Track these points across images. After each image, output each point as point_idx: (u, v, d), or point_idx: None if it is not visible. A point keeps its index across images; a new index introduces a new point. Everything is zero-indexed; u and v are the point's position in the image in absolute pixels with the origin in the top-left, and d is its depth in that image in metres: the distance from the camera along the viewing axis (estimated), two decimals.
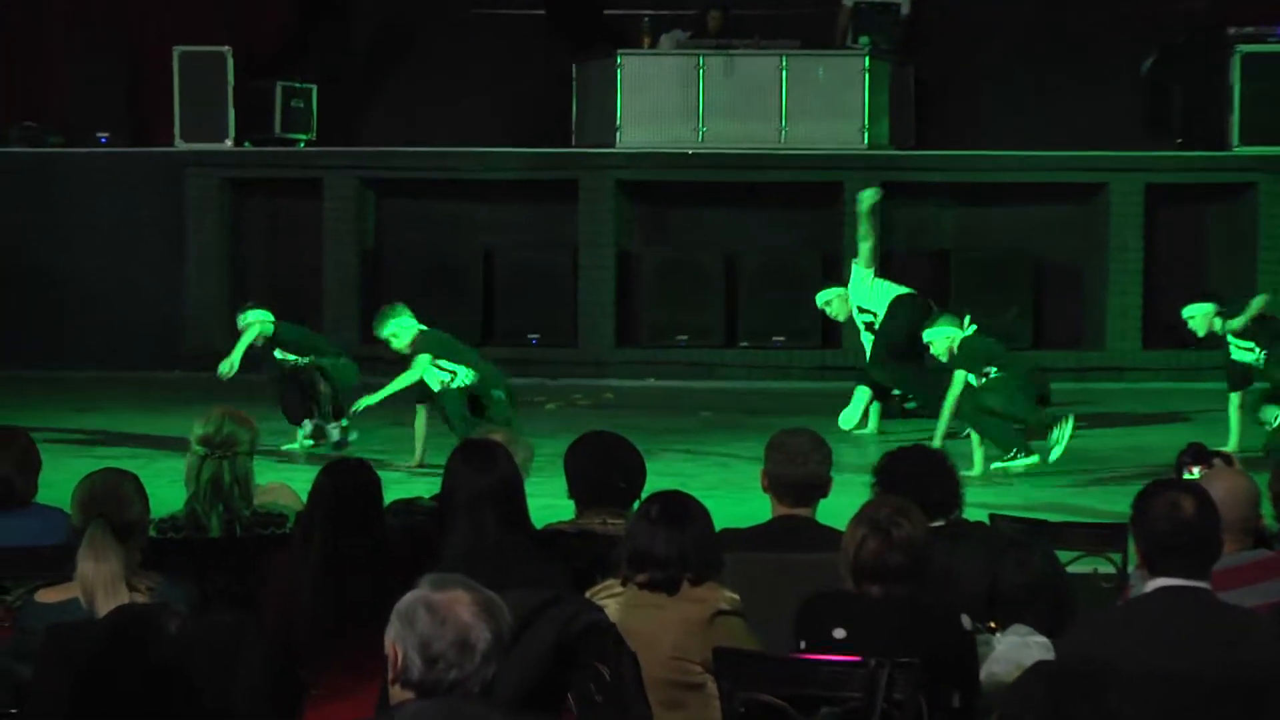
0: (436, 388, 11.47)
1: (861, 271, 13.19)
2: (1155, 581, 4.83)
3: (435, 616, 3.70)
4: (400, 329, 11.48)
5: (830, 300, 13.49)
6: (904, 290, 13.07)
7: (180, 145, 16.52)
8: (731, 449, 12.07)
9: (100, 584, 5.08)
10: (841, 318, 13.51)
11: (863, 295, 13.17)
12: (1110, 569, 6.74)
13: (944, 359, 11.71)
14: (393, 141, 16.82)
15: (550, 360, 15.92)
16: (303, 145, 16.85)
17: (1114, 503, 9.43)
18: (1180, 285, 16.33)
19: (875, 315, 13.01)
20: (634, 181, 16.52)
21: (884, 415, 13.17)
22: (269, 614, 5.58)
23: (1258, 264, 16.00)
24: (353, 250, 16.63)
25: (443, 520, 5.89)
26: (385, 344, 11.64)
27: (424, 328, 11.55)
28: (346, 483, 5.86)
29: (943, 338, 11.68)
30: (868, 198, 13.43)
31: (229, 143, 16.54)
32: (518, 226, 16.85)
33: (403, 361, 11.54)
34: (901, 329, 12.72)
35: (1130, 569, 5.82)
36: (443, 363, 11.50)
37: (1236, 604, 4.96)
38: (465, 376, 11.49)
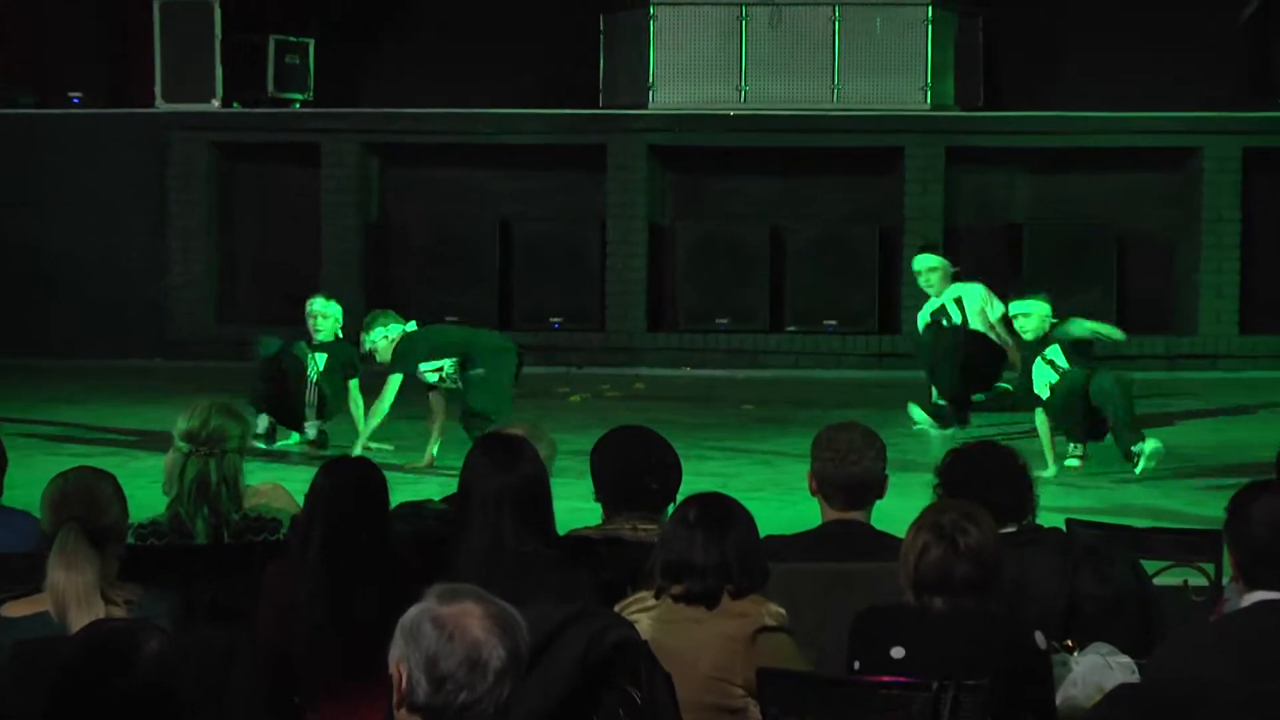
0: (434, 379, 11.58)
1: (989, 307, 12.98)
2: (1253, 595, 4.84)
3: (443, 632, 3.71)
4: (380, 341, 11.54)
5: (934, 269, 13.03)
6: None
7: (162, 106, 16.56)
8: (777, 446, 12.09)
9: (73, 596, 5.09)
10: (935, 294, 12.99)
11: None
12: (1202, 581, 6.74)
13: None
14: (399, 103, 16.85)
15: (575, 346, 15.95)
16: (298, 106, 16.88)
17: (1206, 506, 9.43)
18: None
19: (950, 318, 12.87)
20: (668, 147, 16.54)
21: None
22: (262, 630, 5.60)
23: None
24: (354, 223, 16.67)
25: (458, 522, 5.91)
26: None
27: (410, 329, 11.56)
28: (347, 483, 5.87)
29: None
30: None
31: (216, 103, 16.58)
32: (538, 197, 16.88)
33: None
34: None
35: (1225, 581, 5.81)
36: (427, 365, 11.57)
37: None
38: (450, 367, 11.54)
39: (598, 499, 6.37)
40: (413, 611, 3.76)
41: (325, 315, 12.20)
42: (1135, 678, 5.21)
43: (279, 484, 7.43)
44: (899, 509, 5.65)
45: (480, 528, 5.77)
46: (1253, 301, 16.17)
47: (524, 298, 16.52)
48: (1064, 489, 10.57)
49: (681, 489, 6.19)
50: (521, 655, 3.75)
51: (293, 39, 16.87)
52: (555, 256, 16.50)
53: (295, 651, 5.48)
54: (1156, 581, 6.45)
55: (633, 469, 6.36)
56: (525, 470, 5.88)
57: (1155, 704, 4.51)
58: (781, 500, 9.41)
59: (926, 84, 16.17)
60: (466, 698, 3.70)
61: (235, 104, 16.69)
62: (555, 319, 16.30)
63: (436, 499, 7.11)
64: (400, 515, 6.69)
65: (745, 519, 5.37)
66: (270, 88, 16.73)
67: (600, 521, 6.33)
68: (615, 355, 16.05)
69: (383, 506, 5.91)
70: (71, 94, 16.69)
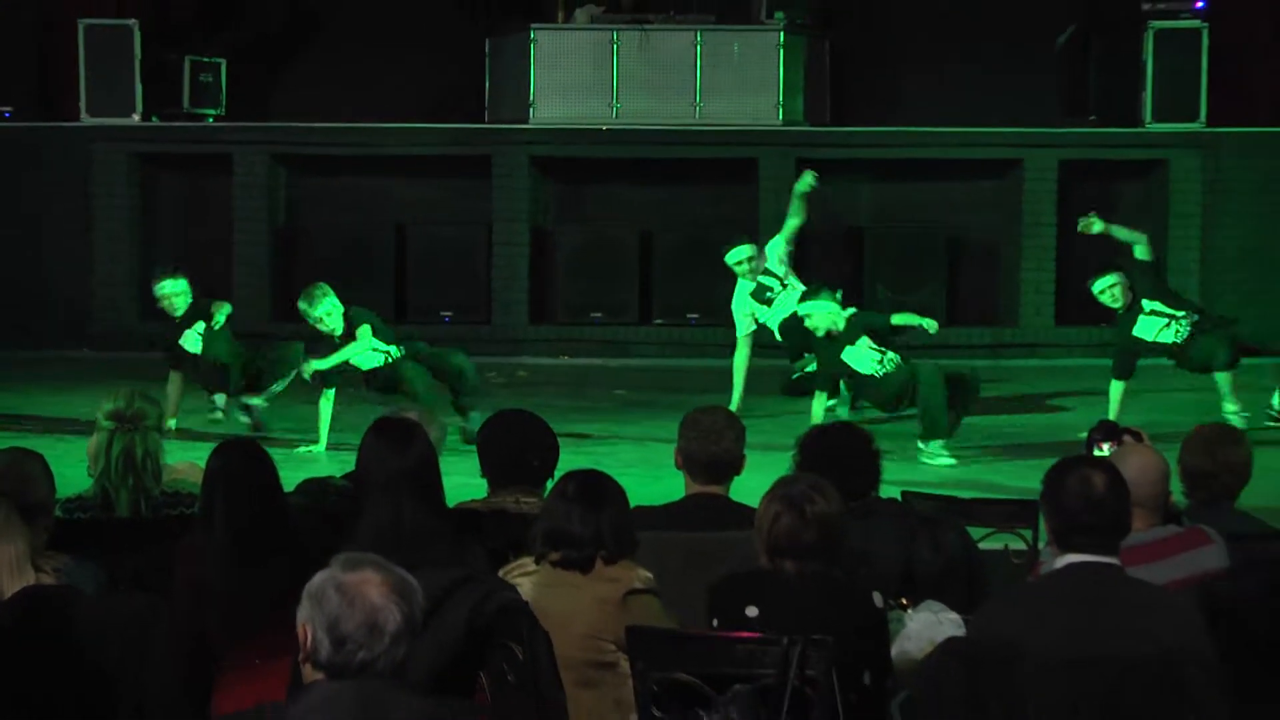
0: (367, 366, 11.51)
1: (780, 244, 13.07)
2: (1066, 558, 4.88)
3: (344, 597, 3.71)
4: (334, 309, 11.45)
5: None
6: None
7: (86, 120, 16.35)
8: (646, 427, 12.09)
9: (4, 565, 5.03)
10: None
11: (772, 264, 13.01)
12: (1021, 546, 6.79)
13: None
14: (304, 117, 16.71)
15: (463, 338, 15.85)
16: (211, 120, 16.73)
17: (1026, 479, 9.48)
18: (1093, 261, 16.50)
19: (773, 290, 12.82)
20: (548, 157, 16.50)
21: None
22: (179, 596, 5.56)
23: (1168, 239, 16.13)
24: (264, 227, 16.54)
25: (358, 499, 5.88)
26: (305, 322, 11.60)
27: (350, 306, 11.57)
28: (236, 463, 5.83)
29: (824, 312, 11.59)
30: (806, 182, 13.04)
31: (136, 117, 16.39)
32: (431, 203, 16.81)
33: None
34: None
35: (1041, 545, 5.87)
36: (378, 341, 11.52)
37: (1146, 580, 5.02)
38: (396, 352, 11.52)
39: (484, 475, 6.36)
40: (318, 578, 3.76)
41: (176, 294, 12.02)
42: (962, 632, 5.25)
43: (195, 463, 7.37)
44: (756, 483, 5.67)
45: (380, 505, 5.74)
46: (1067, 297, 16.30)
47: (417, 294, 16.45)
48: (905, 464, 10.62)
49: (560, 466, 6.19)
50: (416, 619, 3.75)
51: (206, 59, 16.72)
52: (446, 257, 16.44)
53: (209, 615, 5.44)
54: (982, 546, 6.50)
55: (516, 448, 6.35)
56: (418, 452, 5.86)
57: (979, 654, 4.56)
58: (650, 475, 9.41)
59: (779, 102, 16.21)
60: (365, 656, 3.70)
61: (154, 118, 16.51)
62: (445, 312, 16.24)
63: (337, 476, 7.08)
64: (304, 491, 6.66)
65: (617, 493, 5.38)
66: (186, 103, 16.57)
67: (486, 495, 6.32)
68: (500, 346, 16.00)
69: (274, 482, 5.87)
70: (3, 109, 16.47)
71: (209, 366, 11.99)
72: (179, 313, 12.02)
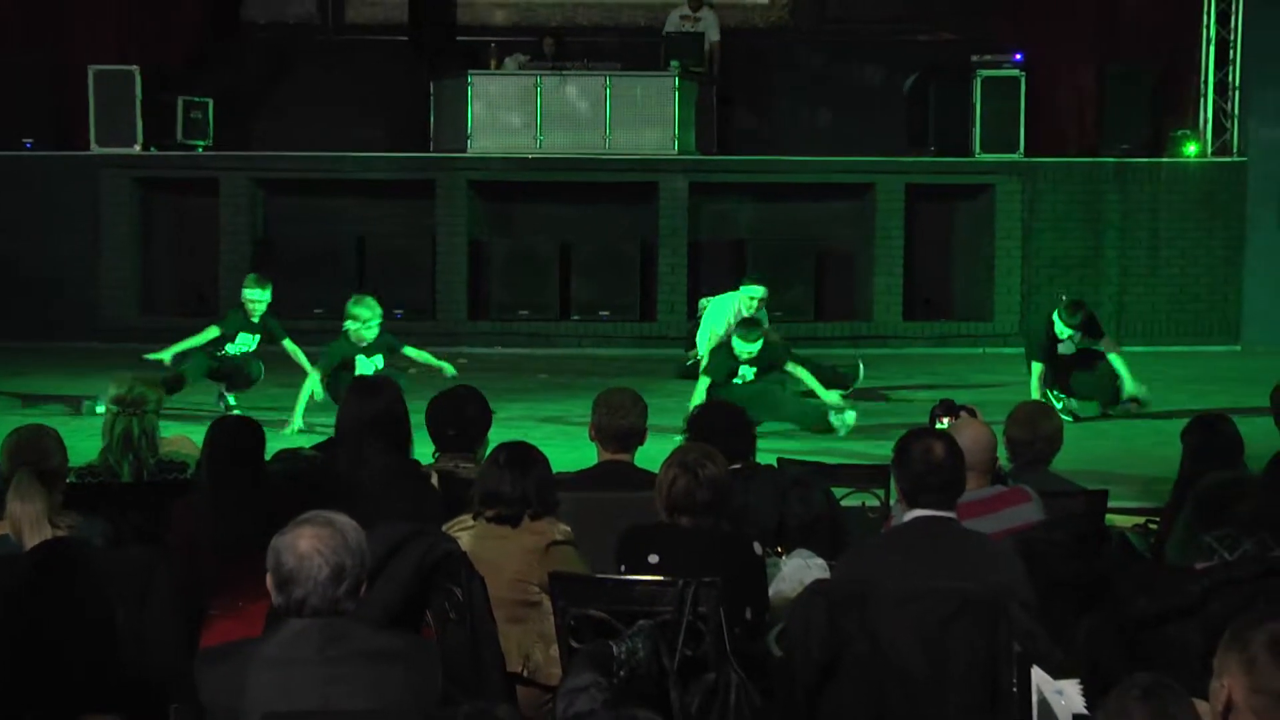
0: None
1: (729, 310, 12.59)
2: (912, 513, 4.91)
3: (282, 550, 3.79)
4: (376, 318, 11.24)
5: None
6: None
7: (95, 149, 16.15)
8: (565, 405, 12.07)
9: (27, 522, 4.99)
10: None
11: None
12: (876, 503, 6.82)
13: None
14: (280, 147, 16.58)
15: (412, 331, 15.74)
16: (201, 150, 16.54)
17: (880, 448, 9.55)
18: (933, 267, 16.64)
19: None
20: (483, 181, 16.42)
21: None
22: (174, 547, 5.51)
23: (995, 250, 16.30)
24: (246, 240, 16.38)
25: (331, 448, 5.85)
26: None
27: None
28: (233, 434, 5.79)
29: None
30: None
31: (138, 147, 16.20)
32: (386, 219, 16.68)
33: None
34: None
35: (892, 503, 5.90)
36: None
37: (977, 530, 5.05)
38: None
39: (431, 439, 6.33)
40: (276, 536, 3.81)
41: (259, 301, 11.69)
42: (827, 575, 5.27)
43: (187, 436, 7.31)
44: (658, 453, 5.66)
45: (352, 449, 5.70)
46: (913, 296, 16.42)
47: (373, 294, 16.30)
48: (782, 439, 10.64)
49: (493, 437, 6.16)
50: (347, 566, 3.76)
51: (196, 98, 16.54)
52: (398, 263, 16.32)
53: (199, 564, 5.39)
54: (843, 504, 6.53)
55: (455, 419, 6.32)
56: (382, 404, 5.83)
57: (841, 593, 4.57)
58: (569, 445, 9.40)
59: (675, 134, 16.17)
60: (300, 594, 3.74)
61: (152, 148, 16.33)
62: (397, 310, 16.10)
63: (308, 448, 7.03)
64: (280, 459, 6.61)
65: (542, 461, 5.37)
66: (179, 136, 16.39)
67: (432, 461, 6.28)
68: (443, 338, 15.87)
69: (260, 452, 5.82)
70: (25, 140, 16.26)
71: (240, 373, 11.75)
72: (256, 318, 11.74)
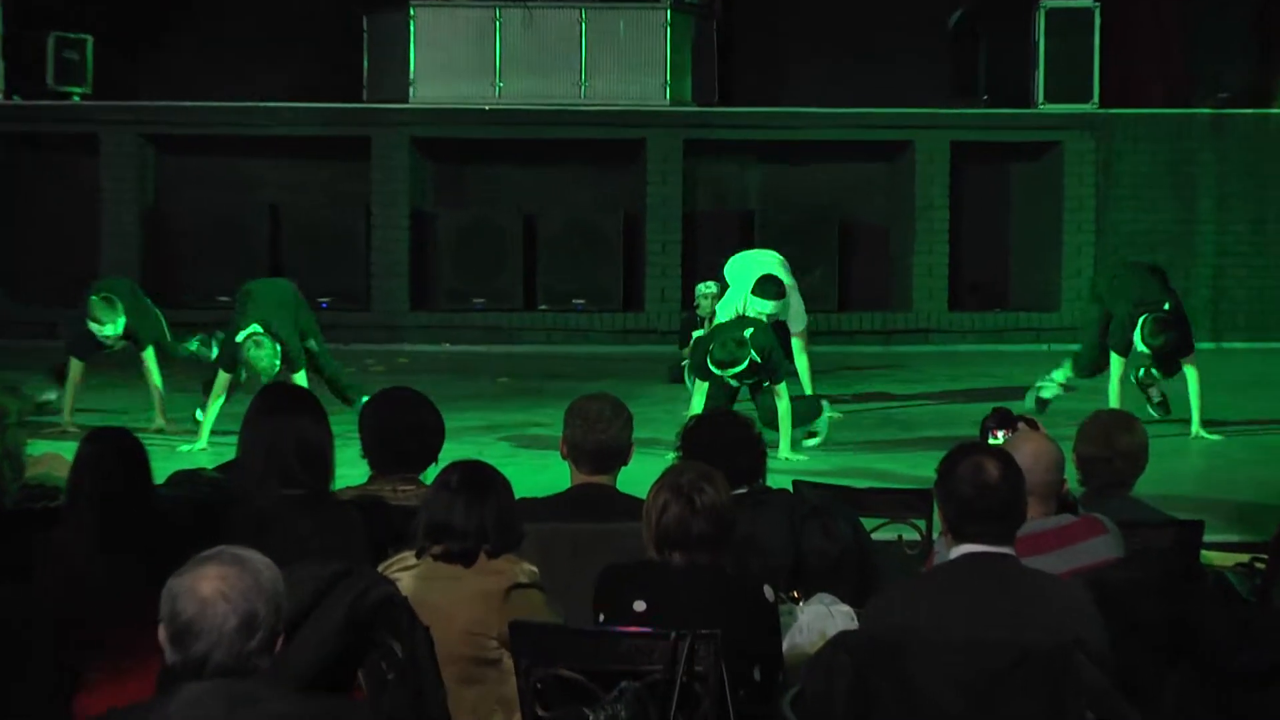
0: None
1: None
2: (960, 548, 4.90)
3: (179, 594, 3.74)
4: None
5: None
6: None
7: None
8: (531, 415, 12.08)
9: None
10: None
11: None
12: (915, 536, 6.83)
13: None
14: (175, 96, 16.56)
15: (342, 324, 15.79)
16: (77, 99, 16.52)
17: (919, 468, 9.55)
18: (985, 245, 16.66)
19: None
20: (429, 138, 16.43)
21: None
22: (45, 590, 5.48)
23: (1062, 224, 16.29)
24: (132, 210, 16.38)
25: (234, 472, 5.83)
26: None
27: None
28: (109, 451, 5.76)
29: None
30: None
31: None
32: (308, 185, 16.71)
33: None
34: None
35: (935, 536, 5.89)
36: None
37: (1041, 570, 5.05)
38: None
39: (364, 456, 6.32)
40: (170, 579, 3.78)
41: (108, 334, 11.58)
42: (854, 625, 5.27)
43: (58, 454, 7.28)
44: (644, 474, 5.66)
45: (256, 471, 5.68)
46: (960, 281, 16.45)
47: (292, 279, 16.25)
48: (793, 453, 10.65)
49: (443, 456, 6.15)
50: (260, 614, 3.73)
51: (72, 35, 16.52)
52: (323, 240, 16.34)
53: (75, 609, 5.37)
54: (875, 537, 6.53)
55: (396, 430, 6.31)
56: (301, 411, 5.82)
57: (870, 647, 4.57)
58: (535, 464, 9.39)
59: (666, 81, 16.23)
60: (201, 648, 3.69)
61: (15, 97, 16.30)
62: (323, 299, 16.10)
63: (210, 468, 7.01)
64: (175, 483, 6.59)
65: (502, 485, 5.35)
66: (50, 81, 16.36)
67: (365, 482, 6.27)
68: (380, 332, 15.93)
69: (145, 472, 5.81)
70: None
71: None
72: (113, 346, 11.64)
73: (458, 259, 16.32)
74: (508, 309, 16.27)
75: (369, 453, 6.29)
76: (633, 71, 16.20)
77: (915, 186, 16.30)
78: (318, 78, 16.91)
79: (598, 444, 6.27)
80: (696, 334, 12.53)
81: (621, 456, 6.34)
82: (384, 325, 16.06)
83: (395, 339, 15.92)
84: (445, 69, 16.23)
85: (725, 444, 6.15)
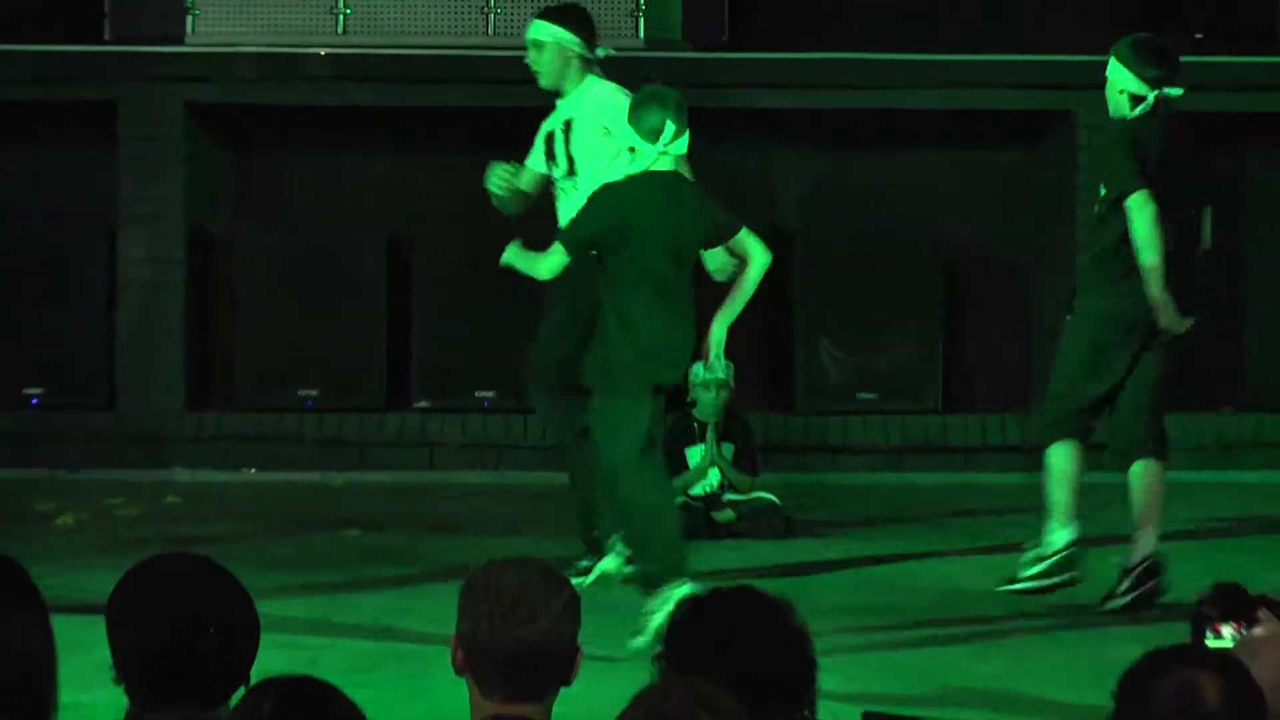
0: None
1: None
2: None
3: None
4: None
5: None
6: None
7: None
8: (398, 595, 12.18)
9: None
10: None
11: None
12: None
13: None
14: None
15: (67, 436, 15.88)
16: None
17: (1074, 688, 9.62)
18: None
19: None
20: (219, 105, 16.52)
21: None
22: None
23: None
24: None
25: None
26: None
27: None
28: None
29: None
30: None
31: None
32: (11, 181, 16.78)
33: None
34: None
35: None
36: None
37: None
38: None
39: (117, 680, 6.35)
40: None
41: None
42: None
43: None
44: (595, 699, 5.72)
45: None
46: None
47: None
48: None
49: (256, 667, 6.20)
50: None
51: None
52: (33, 283, 16.37)
53: None
54: None
55: (170, 635, 6.34)
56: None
57: None
58: (407, 684, 9.47)
59: (638, 7, 16.32)
60: None
61: None
62: (32, 391, 16.14)
63: None
64: None
65: (349, 716, 5.42)
66: None
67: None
68: (132, 451, 15.97)
69: None
70: None
71: None
72: None
73: (268, 323, 16.38)
74: (359, 407, 16.33)
75: (124, 673, 6.33)
76: None
77: (1075, 190, 16.40)
78: (32, 9, 17.05)
79: (516, 646, 6.32)
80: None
81: (560, 668, 6.38)
82: (140, 437, 16.12)
83: (158, 462, 15.97)
84: None
85: (739, 643, 6.21)
